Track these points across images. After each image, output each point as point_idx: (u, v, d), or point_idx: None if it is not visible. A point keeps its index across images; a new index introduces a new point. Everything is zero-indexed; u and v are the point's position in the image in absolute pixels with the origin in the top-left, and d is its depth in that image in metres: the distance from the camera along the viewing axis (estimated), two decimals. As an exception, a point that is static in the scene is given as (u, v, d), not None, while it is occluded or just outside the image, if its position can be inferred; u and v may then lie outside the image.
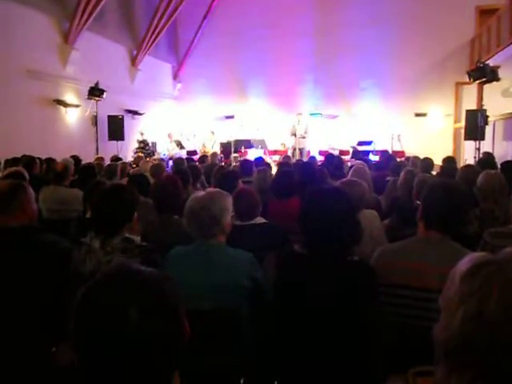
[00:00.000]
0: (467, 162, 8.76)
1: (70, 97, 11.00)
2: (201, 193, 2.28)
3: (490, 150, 9.31)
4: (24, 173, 4.64)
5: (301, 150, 12.65)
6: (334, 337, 1.74)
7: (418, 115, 13.79)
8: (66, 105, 10.82)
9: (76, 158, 7.15)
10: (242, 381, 2.05)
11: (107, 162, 7.68)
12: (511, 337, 0.75)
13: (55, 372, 2.08)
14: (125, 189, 2.34)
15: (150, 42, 13.88)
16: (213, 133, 14.40)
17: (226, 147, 13.38)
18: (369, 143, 13.10)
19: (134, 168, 7.67)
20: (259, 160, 7.19)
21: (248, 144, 13.26)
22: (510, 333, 0.75)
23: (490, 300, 0.78)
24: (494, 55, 11.05)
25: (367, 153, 11.93)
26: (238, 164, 8.40)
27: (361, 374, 1.69)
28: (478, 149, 9.69)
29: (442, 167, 5.64)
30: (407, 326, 1.80)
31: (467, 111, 10.42)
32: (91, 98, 10.99)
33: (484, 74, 9.44)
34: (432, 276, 1.76)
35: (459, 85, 13.49)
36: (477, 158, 8.70)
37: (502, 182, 3.24)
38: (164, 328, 0.87)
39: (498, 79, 9.46)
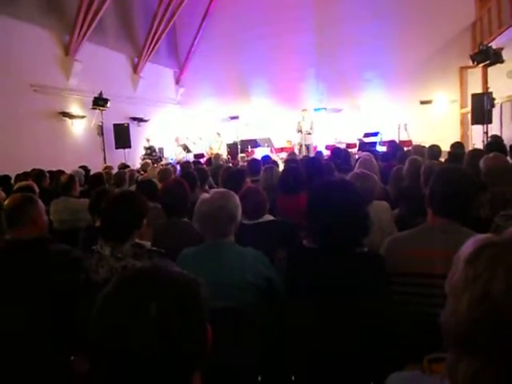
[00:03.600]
0: (475, 147, 8.67)
1: (75, 108, 11.11)
2: (207, 195, 2.29)
3: (498, 133, 9.22)
4: (34, 186, 4.70)
5: (307, 146, 12.62)
6: (348, 329, 1.74)
7: (423, 103, 13.68)
8: (71, 116, 10.93)
9: (85, 169, 7.22)
10: (259, 378, 2.06)
11: (115, 170, 7.74)
12: None
13: (74, 380, 2.11)
14: (133, 195, 2.36)
15: (151, 48, 13.96)
16: (219, 134, 14.43)
17: (232, 148, 13.41)
18: (375, 134, 13.03)
19: (142, 174, 7.72)
20: (266, 158, 7.19)
21: (254, 143, 13.28)
22: None
23: (496, 282, 0.77)
24: (496, 37, 10.91)
25: (374, 144, 11.86)
26: (245, 164, 8.41)
27: (377, 365, 1.69)
28: (486, 132, 9.59)
29: (449, 153, 5.60)
30: (420, 314, 1.79)
31: (473, 95, 10.31)
32: (96, 108, 11.09)
33: (487, 57, 9.33)
34: (439, 262, 1.75)
35: (463, 69, 13.35)
36: (485, 142, 8.61)
37: (505, 164, 3.20)
38: (185, 329, 0.85)
39: (502, 61, 9.34)
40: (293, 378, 1.95)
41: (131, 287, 0.87)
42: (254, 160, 6.15)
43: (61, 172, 6.75)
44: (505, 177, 3.13)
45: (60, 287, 2.16)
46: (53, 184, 6.30)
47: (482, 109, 9.58)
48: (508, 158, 4.60)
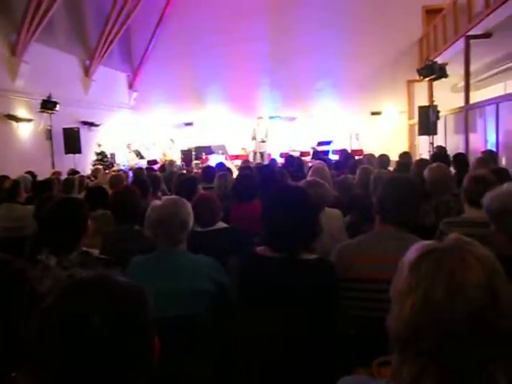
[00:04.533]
0: (422, 156, 9.05)
1: (21, 111, 10.64)
2: (158, 202, 2.26)
3: (443, 144, 9.67)
4: (-26, 192, 4.46)
5: (262, 154, 12.73)
6: (297, 334, 1.76)
7: (373, 114, 14.20)
8: (17, 119, 10.46)
9: (32, 174, 6.92)
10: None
11: (64, 176, 7.48)
12: (458, 322, 0.78)
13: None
14: (71, 201, 2.28)
15: (103, 51, 13.62)
16: (172, 141, 14.28)
17: (186, 154, 13.30)
18: (328, 143, 13.33)
19: (92, 181, 7.50)
20: (220, 165, 7.17)
21: (209, 150, 13.24)
22: (457, 318, 0.78)
23: (437, 287, 0.80)
24: (441, 53, 11.50)
25: (327, 152, 12.13)
26: (199, 171, 8.36)
27: (326, 370, 1.71)
28: (432, 143, 10.04)
29: (397, 162, 5.81)
30: (368, 319, 1.84)
31: (419, 107, 10.78)
32: (44, 111, 10.69)
33: (433, 72, 9.79)
34: (385, 267, 1.80)
35: (411, 82, 13.96)
36: (431, 152, 9.01)
37: (447, 174, 3.36)
38: (129, 340, 0.82)
39: (446, 76, 9.83)
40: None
41: (73, 298, 0.84)
42: (209, 167, 6.13)
43: (5, 177, 6.44)
44: (446, 186, 3.28)
45: (2, 299, 2.06)
46: (-4, 189, 5.99)
47: (427, 120, 10.03)
48: (451, 167, 4.84)
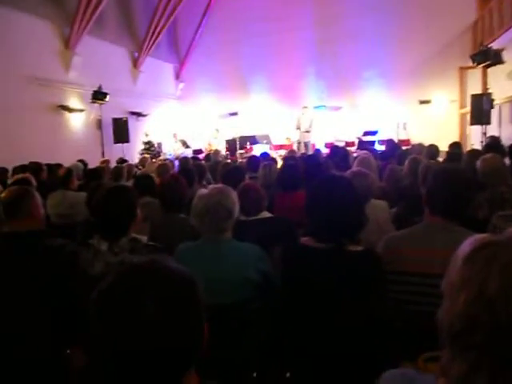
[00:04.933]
0: (474, 147, 8.68)
1: (73, 102, 11.07)
2: (205, 190, 2.29)
3: (497, 134, 9.23)
4: (31, 179, 4.68)
5: (306, 144, 12.61)
6: (344, 326, 1.75)
7: (422, 102, 13.70)
8: (70, 110, 10.90)
9: (83, 162, 7.21)
10: (254, 374, 2.07)
11: (113, 164, 7.73)
12: None
13: (71, 373, 2.11)
14: (122, 189, 2.35)
15: (151, 42, 13.91)
16: (217, 130, 14.41)
17: (231, 144, 13.39)
18: (374, 133, 13.04)
19: (140, 169, 7.70)
20: (264, 155, 7.18)
21: (253, 140, 13.27)
22: (511, 313, 0.75)
23: (491, 281, 0.77)
24: (497, 38, 10.91)
25: (373, 143, 11.88)
26: (244, 160, 8.40)
27: (371, 363, 1.69)
28: (485, 133, 9.60)
29: (447, 153, 5.61)
30: (415, 313, 1.80)
31: (472, 96, 10.32)
32: (95, 102, 11.07)
33: (487, 58, 9.34)
34: (436, 261, 1.75)
35: (463, 69, 13.36)
36: (483, 143, 8.63)
37: (502, 165, 3.20)
38: (181, 325, 0.84)
39: (502, 62, 9.35)
40: (287, 374, 1.96)
41: (128, 283, 0.86)
42: (253, 157, 6.15)
43: (59, 165, 6.75)
44: (501, 178, 3.14)
45: (57, 281, 2.16)
46: (50, 177, 6.28)
47: (480, 109, 9.60)
48: (506, 158, 4.61)
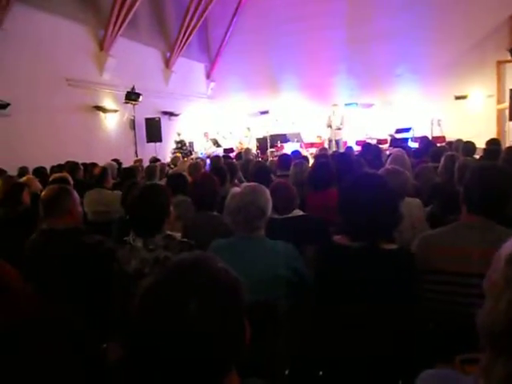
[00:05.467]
0: (513, 144, 8.39)
1: (108, 102, 11.34)
2: (238, 189, 2.30)
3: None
4: (68, 178, 4.83)
5: (337, 142, 12.50)
6: (378, 325, 1.72)
7: (458, 98, 13.31)
8: (104, 110, 11.16)
9: (117, 162, 7.38)
10: (286, 372, 2.06)
11: (146, 163, 7.87)
12: None
13: (107, 368, 2.16)
14: (155, 188, 2.39)
15: (182, 43, 14.07)
16: (249, 129, 14.45)
17: (262, 143, 13.40)
18: (407, 130, 12.78)
19: (172, 168, 7.81)
20: (296, 153, 7.16)
21: (284, 138, 13.23)
22: None
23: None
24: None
25: (406, 140, 11.64)
26: (275, 159, 8.40)
27: (406, 363, 1.66)
28: (524, 129, 9.28)
29: (485, 150, 5.44)
30: (450, 313, 1.75)
31: (511, 90, 9.98)
32: (128, 102, 11.29)
33: (527, 51, 9.01)
34: (474, 260, 1.71)
35: (501, 63, 12.91)
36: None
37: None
38: (223, 328, 0.83)
39: (542, 55, 9.00)
40: (320, 373, 1.95)
41: (172, 282, 0.85)
42: (285, 155, 6.14)
43: (94, 164, 6.92)
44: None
45: (94, 276, 2.22)
46: (86, 176, 6.46)
47: (520, 104, 9.27)
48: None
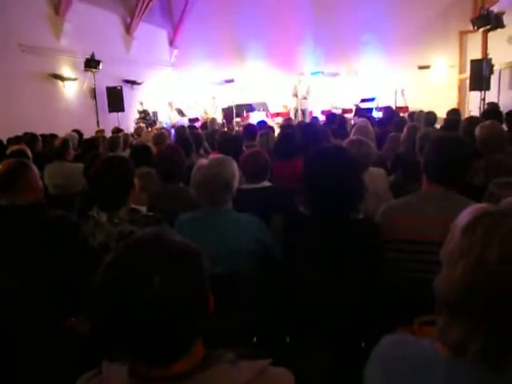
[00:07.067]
0: (472, 114, 8.62)
1: (66, 70, 10.86)
2: (205, 161, 2.28)
3: (496, 100, 9.15)
4: (27, 151, 4.65)
5: (303, 111, 12.52)
6: (341, 293, 1.78)
7: (421, 68, 13.49)
8: (62, 78, 10.70)
9: (78, 132, 7.14)
10: (254, 339, 2.11)
11: (108, 134, 7.66)
12: (510, 286, 0.77)
13: (74, 341, 2.15)
14: (118, 160, 2.33)
15: (144, 7, 13.51)
16: (214, 98, 14.23)
17: (227, 112, 13.24)
18: (372, 100, 12.90)
19: (136, 139, 7.65)
20: (261, 123, 7.13)
21: (250, 108, 13.12)
22: (510, 282, 0.77)
23: (490, 251, 0.79)
24: (498, 1, 10.68)
25: (370, 110, 11.76)
26: (240, 129, 8.35)
27: (368, 327, 1.73)
28: (484, 99, 9.53)
29: (445, 120, 5.57)
30: (412, 280, 1.83)
31: (472, 61, 10.18)
32: (88, 70, 10.87)
33: (488, 21, 9.18)
34: (434, 229, 1.77)
35: (463, 34, 13.11)
36: (482, 109, 8.57)
37: (501, 132, 3.19)
38: (188, 300, 0.85)
39: (503, 26, 9.19)
40: (288, 339, 2.01)
41: (134, 258, 0.86)
42: (250, 125, 6.11)
43: (54, 136, 6.68)
44: (500, 145, 3.13)
45: (60, 252, 2.18)
46: (46, 148, 6.23)
47: (480, 75, 9.49)
48: (504, 125, 4.59)
